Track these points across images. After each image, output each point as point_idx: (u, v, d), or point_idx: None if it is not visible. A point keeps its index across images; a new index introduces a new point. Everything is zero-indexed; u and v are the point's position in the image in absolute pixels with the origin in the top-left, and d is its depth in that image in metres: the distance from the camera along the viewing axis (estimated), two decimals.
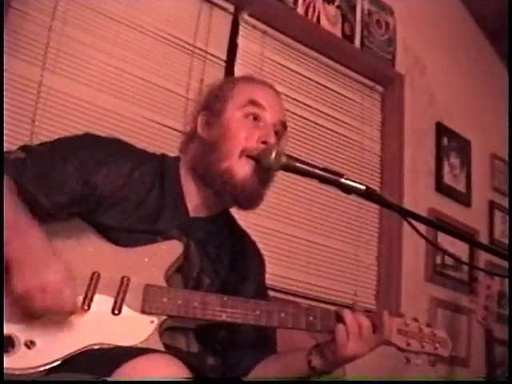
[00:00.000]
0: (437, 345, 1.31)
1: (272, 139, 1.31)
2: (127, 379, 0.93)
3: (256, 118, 1.32)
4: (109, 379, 0.93)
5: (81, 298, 1.12)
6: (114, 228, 1.22)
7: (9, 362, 1.04)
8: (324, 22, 2.73)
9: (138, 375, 0.92)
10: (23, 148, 1.23)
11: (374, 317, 1.25)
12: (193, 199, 1.34)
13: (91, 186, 1.21)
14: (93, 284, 1.14)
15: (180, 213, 1.31)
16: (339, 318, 1.24)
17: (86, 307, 1.12)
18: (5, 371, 1.02)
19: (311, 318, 1.24)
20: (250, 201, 1.31)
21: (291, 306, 1.27)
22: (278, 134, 1.35)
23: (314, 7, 2.71)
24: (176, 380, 0.93)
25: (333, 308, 1.28)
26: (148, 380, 0.92)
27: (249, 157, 1.28)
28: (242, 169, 1.27)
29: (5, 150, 1.24)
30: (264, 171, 1.29)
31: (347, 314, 1.23)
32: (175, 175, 1.34)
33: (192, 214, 1.33)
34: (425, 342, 1.30)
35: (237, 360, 1.37)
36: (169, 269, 1.21)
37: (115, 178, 1.24)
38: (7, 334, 1.06)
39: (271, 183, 1.35)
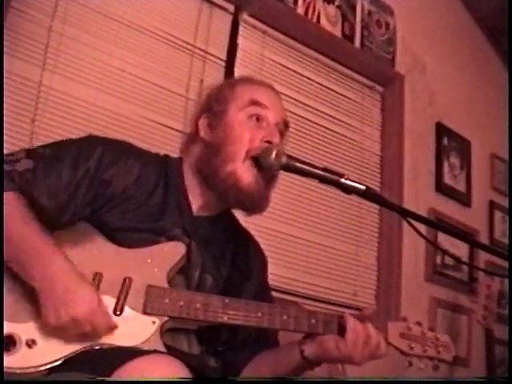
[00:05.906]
0: (440, 349, 1.31)
1: (276, 139, 1.31)
2: (127, 379, 0.93)
3: (259, 118, 1.32)
4: (109, 379, 0.93)
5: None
6: (117, 228, 1.22)
7: (10, 360, 1.04)
8: (324, 22, 2.73)
9: (139, 375, 0.92)
10: (30, 154, 1.21)
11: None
12: (196, 200, 1.34)
13: (105, 183, 1.22)
14: (95, 284, 1.15)
15: (184, 211, 1.31)
16: (341, 322, 1.23)
17: None
18: (5, 370, 1.03)
19: (313, 321, 1.24)
20: (256, 206, 1.31)
21: (293, 308, 1.27)
22: (281, 134, 1.36)
23: (314, 7, 2.70)
24: (176, 380, 0.94)
25: (332, 308, 1.28)
26: (148, 380, 0.92)
27: (251, 157, 1.28)
28: (247, 174, 1.27)
29: (6, 151, 1.23)
30: (267, 173, 1.28)
31: (355, 322, 1.22)
32: (179, 176, 1.34)
33: (195, 213, 1.33)
34: (427, 346, 1.30)
35: (234, 357, 1.36)
36: (171, 270, 1.21)
37: (127, 177, 1.25)
38: (8, 332, 1.06)
39: (275, 184, 1.35)
